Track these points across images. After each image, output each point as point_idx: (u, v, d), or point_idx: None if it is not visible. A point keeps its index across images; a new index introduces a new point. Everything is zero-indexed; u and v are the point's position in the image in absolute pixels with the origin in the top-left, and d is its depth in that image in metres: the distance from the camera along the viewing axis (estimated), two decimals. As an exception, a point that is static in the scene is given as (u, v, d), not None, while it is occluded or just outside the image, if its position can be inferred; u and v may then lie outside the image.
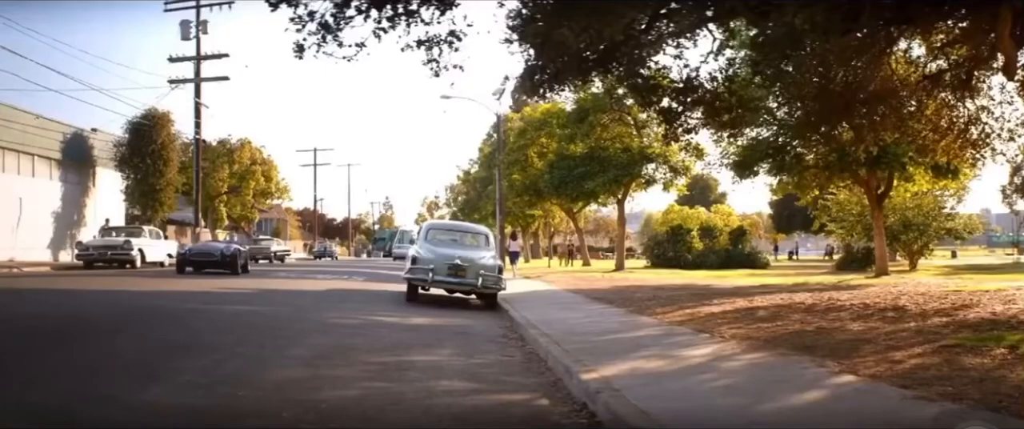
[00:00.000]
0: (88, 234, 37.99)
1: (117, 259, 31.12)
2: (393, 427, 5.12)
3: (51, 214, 38.10)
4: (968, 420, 3.12)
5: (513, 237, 37.97)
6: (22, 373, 6.56)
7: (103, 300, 14.70)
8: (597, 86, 23.38)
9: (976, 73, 13.86)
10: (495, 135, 49.30)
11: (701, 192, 78.34)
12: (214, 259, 27.09)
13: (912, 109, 15.36)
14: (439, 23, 12.15)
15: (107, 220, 39.63)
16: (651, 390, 5.84)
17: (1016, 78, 13.30)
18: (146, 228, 35.68)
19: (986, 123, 15.92)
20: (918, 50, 15.26)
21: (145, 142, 41.66)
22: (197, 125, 44.31)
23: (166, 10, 40.55)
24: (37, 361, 7.24)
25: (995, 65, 13.25)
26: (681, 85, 14.71)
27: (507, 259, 29.71)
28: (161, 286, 19.05)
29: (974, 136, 16.15)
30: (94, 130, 41.12)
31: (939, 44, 13.97)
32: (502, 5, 12.59)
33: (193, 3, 40.82)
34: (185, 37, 42.17)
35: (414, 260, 16.19)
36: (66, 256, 37.04)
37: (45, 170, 38.09)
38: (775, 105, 20.44)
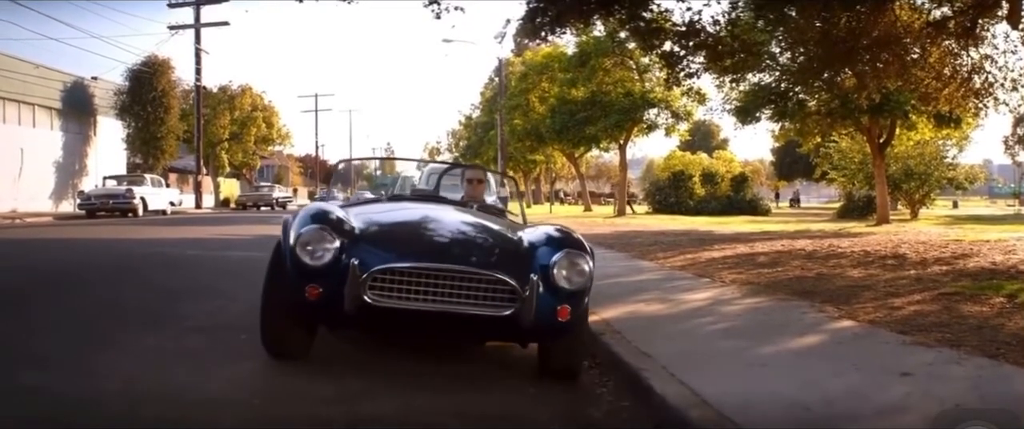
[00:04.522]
0: (90, 183, 38.00)
1: (119, 208, 31.16)
2: (389, 367, 5.17)
3: (52, 164, 38.14)
4: (968, 421, 3.15)
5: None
6: (28, 322, 6.61)
7: (107, 249, 14.76)
8: (599, 29, 23.28)
9: (980, 21, 13.75)
10: (496, 79, 49.15)
11: (703, 138, 78.20)
12: None
13: (915, 57, 15.25)
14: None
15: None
16: (651, 333, 5.89)
17: (1021, 27, 13.20)
18: (148, 176, 35.67)
19: (989, 72, 15.81)
20: (922, -4, 15.15)
21: (146, 90, 41.59)
22: (198, 71, 44.28)
23: (165, -47, 40.26)
24: (42, 309, 7.30)
25: (1000, 13, 13.16)
26: (683, 29, 14.64)
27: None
28: (162, 234, 19.12)
29: (977, 85, 16.04)
30: (94, 78, 40.98)
31: (944, -10, 13.88)
32: (504, -53, 12.48)
33: (192, -53, 40.54)
34: (185, -18, 41.93)
35: None
36: (68, 206, 37.09)
37: (46, 120, 38.04)
38: (778, 50, 20.31)
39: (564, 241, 4.98)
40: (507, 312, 4.57)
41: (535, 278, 4.64)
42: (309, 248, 4.61)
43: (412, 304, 4.54)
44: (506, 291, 4.59)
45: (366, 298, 4.49)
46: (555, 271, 4.74)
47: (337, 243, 4.63)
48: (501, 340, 5.34)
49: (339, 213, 5.04)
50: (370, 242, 4.81)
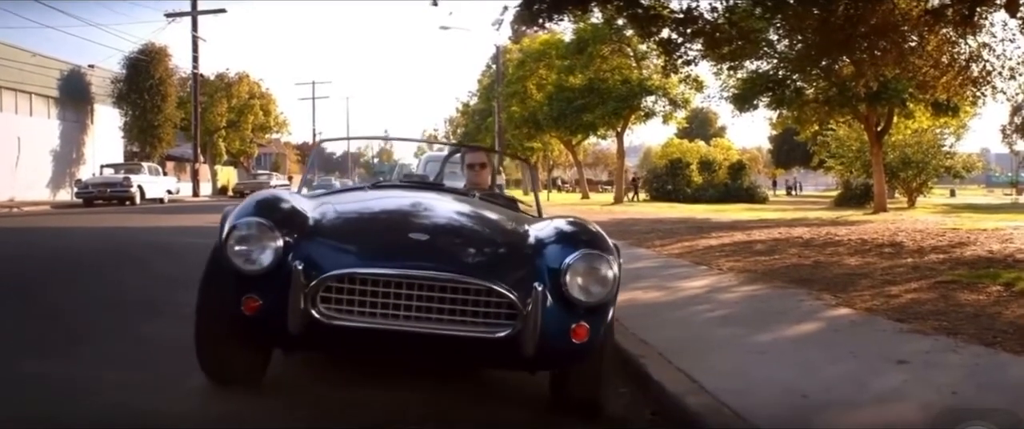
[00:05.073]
0: (87, 172, 37.91)
1: (116, 196, 31.12)
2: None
3: (50, 152, 37.98)
4: (968, 421, 3.16)
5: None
6: (26, 310, 6.62)
7: (104, 237, 14.78)
8: (596, 16, 23.25)
9: (978, 9, 13.73)
10: (494, 66, 49.07)
11: (700, 126, 78.13)
12: None
13: (913, 44, 15.24)
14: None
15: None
16: (649, 320, 5.90)
17: (1019, 15, 13.19)
18: (145, 164, 35.61)
19: (987, 60, 15.79)
20: (921, -17, 15.13)
21: (143, 78, 41.45)
22: (195, 59, 44.14)
23: (161, -59, 40.20)
24: (41, 297, 7.31)
25: (998, 1, 13.14)
26: (681, 16, 14.63)
27: None
28: (160, 222, 19.13)
29: (975, 73, 16.03)
30: (91, 66, 40.85)
31: (942, -23, 13.85)
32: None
33: (188, -65, 40.46)
34: (181, -31, 41.83)
35: None
36: (65, 194, 37.02)
37: (43, 108, 37.91)
38: (775, 37, 20.31)
39: (579, 237, 3.91)
40: (502, 333, 3.47)
41: (540, 288, 3.50)
42: (242, 248, 3.55)
43: (376, 322, 3.46)
44: (501, 305, 3.49)
45: (315, 314, 3.41)
46: (568, 278, 3.59)
47: (280, 241, 3.54)
48: (497, 367, 4.27)
49: (295, 202, 4.01)
50: (326, 240, 3.73)
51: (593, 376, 3.91)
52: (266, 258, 3.51)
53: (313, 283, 3.40)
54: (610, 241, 3.90)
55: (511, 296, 3.46)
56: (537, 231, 4.07)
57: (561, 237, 3.89)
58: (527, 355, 3.46)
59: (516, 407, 4.31)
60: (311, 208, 4.00)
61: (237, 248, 3.55)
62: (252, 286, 3.50)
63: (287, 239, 3.56)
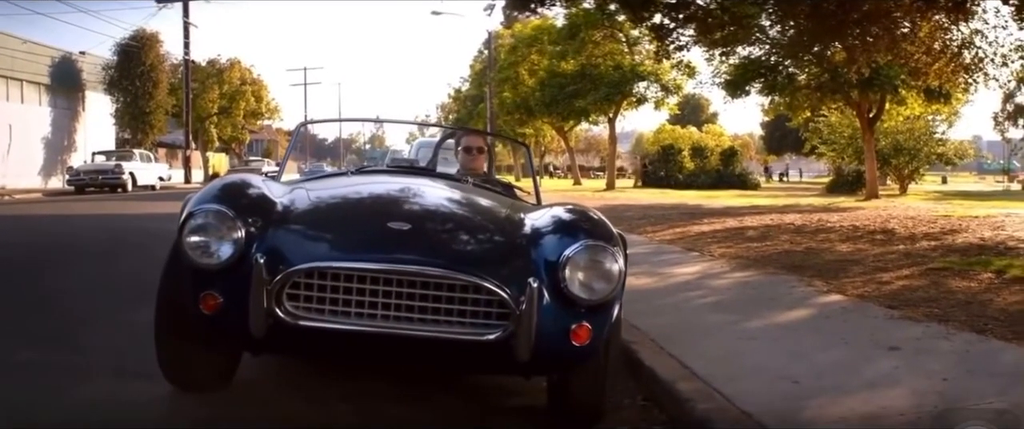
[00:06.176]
0: (78, 159, 37.80)
1: (108, 183, 31.07)
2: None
3: (41, 140, 37.92)
4: (968, 421, 3.16)
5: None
6: (22, 297, 6.61)
7: (96, 224, 14.75)
8: (588, 1, 23.23)
9: (971, -5, 13.76)
10: (486, 52, 48.96)
11: (692, 112, 78.13)
12: None
13: (905, 31, 15.25)
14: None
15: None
16: (641, 306, 5.89)
17: (1011, 2, 13.19)
18: (136, 151, 35.53)
19: (979, 47, 15.84)
20: (913, -31, 15.12)
21: (134, 64, 41.29)
22: (186, 45, 43.96)
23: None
24: (36, 285, 7.33)
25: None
26: (673, 1, 14.60)
27: None
28: (152, 209, 19.09)
29: (967, 60, 16.08)
30: (82, 53, 40.64)
31: (934, -37, 13.84)
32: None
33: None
34: (172, -46, 41.68)
35: None
36: (57, 182, 36.91)
37: (34, 96, 37.83)
38: (768, 23, 20.30)
39: (580, 226, 3.53)
40: (492, 335, 3.09)
41: (535, 284, 3.12)
42: (199, 239, 3.19)
43: (349, 323, 3.07)
44: (491, 303, 3.11)
45: (279, 313, 3.03)
46: (567, 272, 3.20)
47: (241, 231, 3.18)
48: (488, 372, 3.96)
49: (264, 188, 3.60)
50: (295, 230, 3.36)
51: (596, 380, 3.53)
52: (225, 251, 3.16)
53: (277, 278, 3.04)
54: (615, 230, 3.55)
55: (502, 293, 3.09)
56: (533, 220, 3.69)
57: (559, 226, 3.54)
58: (521, 360, 3.11)
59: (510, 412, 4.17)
60: (281, 194, 3.65)
61: (193, 239, 3.19)
62: (210, 282, 3.16)
63: (250, 229, 3.21)
